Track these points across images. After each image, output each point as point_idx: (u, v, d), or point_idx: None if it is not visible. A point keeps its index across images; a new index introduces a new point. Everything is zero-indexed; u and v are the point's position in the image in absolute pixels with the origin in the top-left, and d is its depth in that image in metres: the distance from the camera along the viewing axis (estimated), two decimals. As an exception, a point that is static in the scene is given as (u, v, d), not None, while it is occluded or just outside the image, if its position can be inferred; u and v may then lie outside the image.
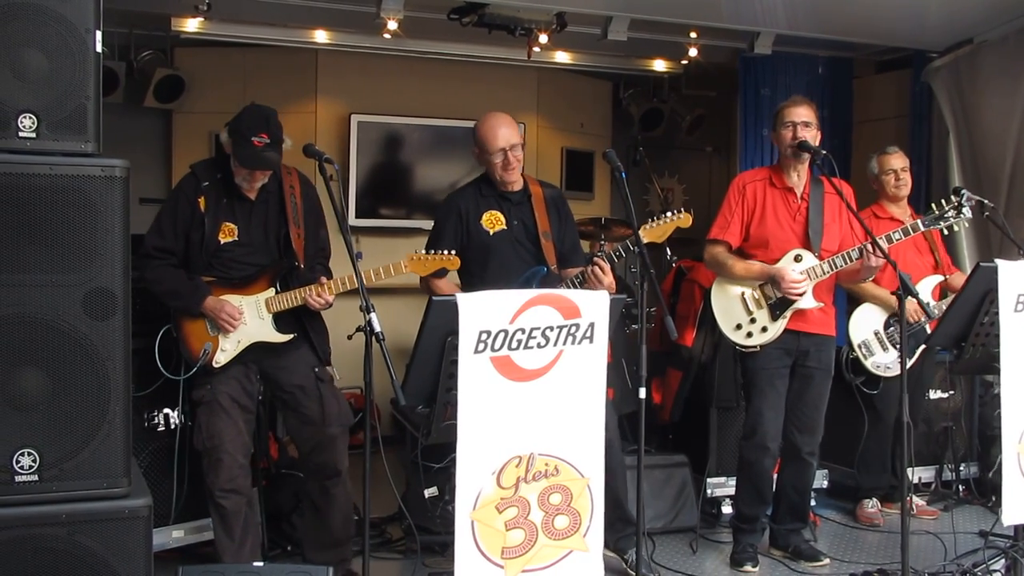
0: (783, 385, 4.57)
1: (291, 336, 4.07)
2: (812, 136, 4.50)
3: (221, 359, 4.01)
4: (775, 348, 4.51)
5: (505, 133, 4.29)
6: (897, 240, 4.50)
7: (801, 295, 4.40)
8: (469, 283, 4.35)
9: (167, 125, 7.58)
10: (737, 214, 4.61)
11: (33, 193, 2.72)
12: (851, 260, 4.41)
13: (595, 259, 4.10)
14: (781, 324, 4.47)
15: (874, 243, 4.21)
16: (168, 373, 4.09)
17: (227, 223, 4.04)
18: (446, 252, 4.11)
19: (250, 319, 4.04)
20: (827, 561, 4.67)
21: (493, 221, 4.35)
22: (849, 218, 4.54)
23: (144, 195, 6.25)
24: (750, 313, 4.53)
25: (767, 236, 4.53)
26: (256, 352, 4.07)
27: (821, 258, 4.47)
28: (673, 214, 4.21)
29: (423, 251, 4.17)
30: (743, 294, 4.55)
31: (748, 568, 4.64)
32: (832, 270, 4.44)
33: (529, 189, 4.43)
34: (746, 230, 4.59)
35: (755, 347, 4.52)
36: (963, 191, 5.45)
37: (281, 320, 4.06)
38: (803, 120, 4.50)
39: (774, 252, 4.50)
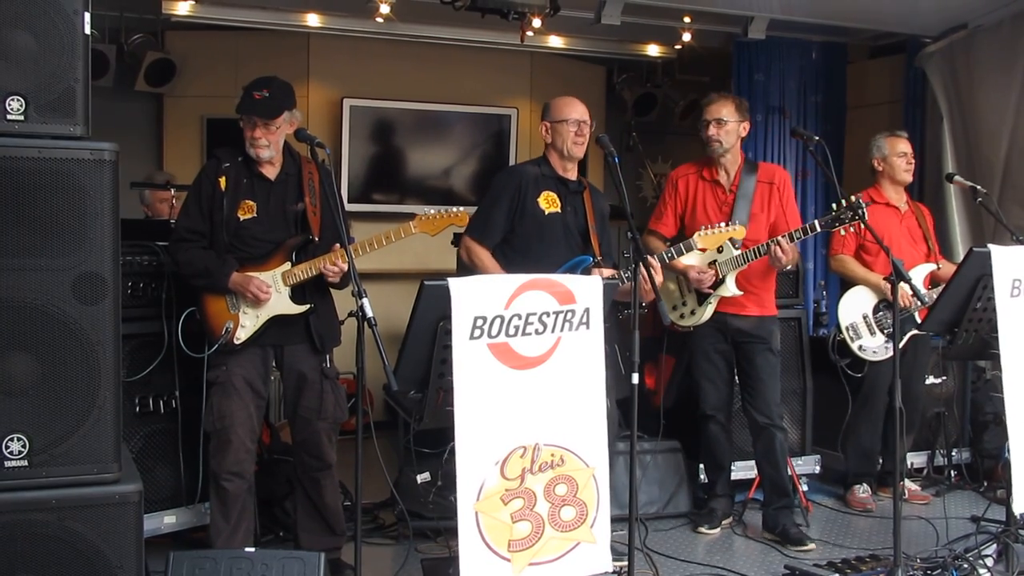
0: (720, 360, 4.87)
1: (308, 307, 4.08)
2: (727, 131, 4.70)
3: (242, 335, 4.03)
4: (708, 327, 4.78)
5: (581, 109, 4.40)
6: (798, 239, 4.57)
7: (710, 285, 4.64)
8: (512, 259, 4.32)
9: (158, 109, 7.56)
10: (670, 206, 4.90)
11: (21, 176, 2.69)
12: (760, 254, 4.58)
13: (648, 258, 4.12)
14: (708, 309, 4.72)
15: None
16: (189, 351, 4.12)
17: (246, 201, 4.08)
18: (456, 209, 4.12)
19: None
20: (812, 546, 4.67)
21: (549, 201, 4.36)
22: (783, 203, 4.77)
23: (135, 179, 6.22)
24: (682, 297, 4.81)
25: (697, 227, 4.66)
26: (273, 335, 4.08)
27: (745, 247, 4.60)
28: (728, 225, 4.46)
29: (438, 209, 4.14)
30: (678, 279, 4.80)
31: (702, 530, 4.94)
32: (746, 262, 4.61)
33: (584, 184, 4.50)
34: (680, 221, 4.88)
35: (688, 328, 4.80)
36: (954, 174, 5.50)
37: (298, 293, 4.08)
38: (715, 118, 4.71)
39: None
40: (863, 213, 4.38)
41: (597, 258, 4.34)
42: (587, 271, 4.27)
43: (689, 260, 4.62)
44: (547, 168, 4.43)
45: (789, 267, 4.80)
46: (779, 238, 4.49)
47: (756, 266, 4.68)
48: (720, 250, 4.60)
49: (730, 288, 4.65)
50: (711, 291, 4.66)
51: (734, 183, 4.77)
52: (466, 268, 4.37)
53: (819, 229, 4.54)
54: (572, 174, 4.45)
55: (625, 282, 4.19)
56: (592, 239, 4.39)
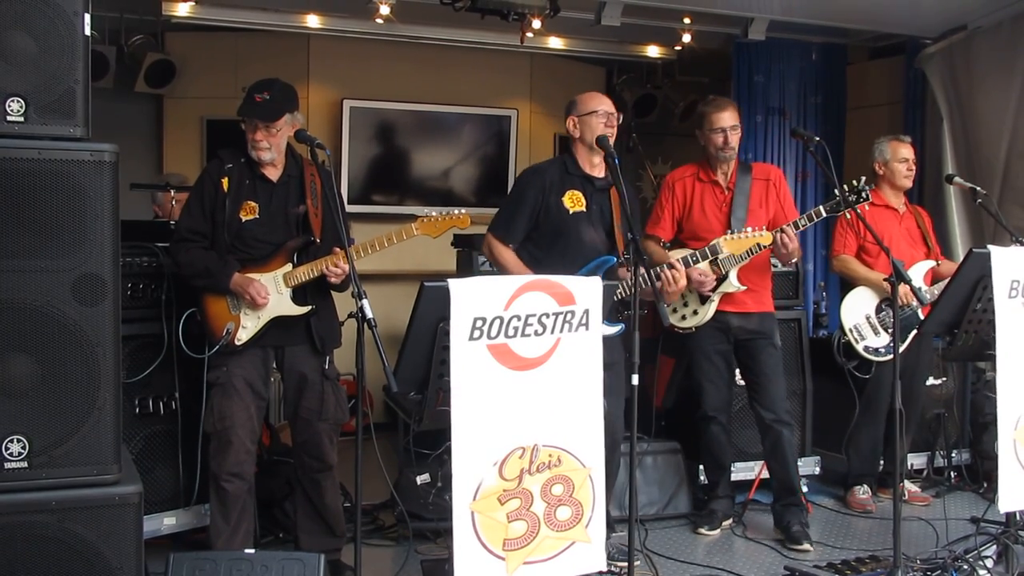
0: (721, 361, 4.88)
1: (309, 308, 4.08)
2: (738, 135, 4.77)
3: (243, 336, 4.03)
4: (709, 328, 4.78)
5: (608, 101, 4.37)
6: (803, 226, 4.60)
7: (711, 290, 4.64)
8: (536, 257, 4.30)
9: (158, 110, 7.57)
10: (667, 210, 4.90)
11: (21, 178, 2.70)
12: (762, 248, 4.60)
13: (672, 262, 4.28)
14: (710, 307, 4.73)
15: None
16: (191, 352, 4.13)
17: (249, 202, 4.09)
18: (458, 211, 4.16)
19: (270, 295, 4.06)
20: (808, 547, 4.66)
21: (574, 200, 4.32)
22: (780, 198, 4.84)
23: (135, 180, 6.22)
24: (683, 298, 4.76)
25: (696, 228, 4.76)
26: (274, 336, 4.09)
27: None
28: (754, 231, 4.51)
29: (440, 211, 4.18)
30: None
31: (702, 531, 4.93)
32: (748, 256, 4.60)
33: (610, 181, 4.40)
34: (679, 224, 4.89)
35: (690, 328, 4.79)
36: (954, 176, 5.50)
37: (299, 295, 4.09)
38: (730, 125, 4.75)
39: (704, 243, 4.64)
40: (867, 195, 4.41)
41: (621, 258, 4.33)
42: (611, 271, 4.27)
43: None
44: (573, 165, 4.38)
45: (794, 259, 4.82)
46: (784, 226, 4.52)
47: (755, 263, 4.69)
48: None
49: (733, 283, 4.65)
50: (712, 291, 4.67)
51: (731, 181, 4.81)
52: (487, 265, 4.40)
53: (824, 214, 4.56)
54: (599, 171, 4.37)
55: (645, 285, 4.16)
56: (617, 238, 4.36)
